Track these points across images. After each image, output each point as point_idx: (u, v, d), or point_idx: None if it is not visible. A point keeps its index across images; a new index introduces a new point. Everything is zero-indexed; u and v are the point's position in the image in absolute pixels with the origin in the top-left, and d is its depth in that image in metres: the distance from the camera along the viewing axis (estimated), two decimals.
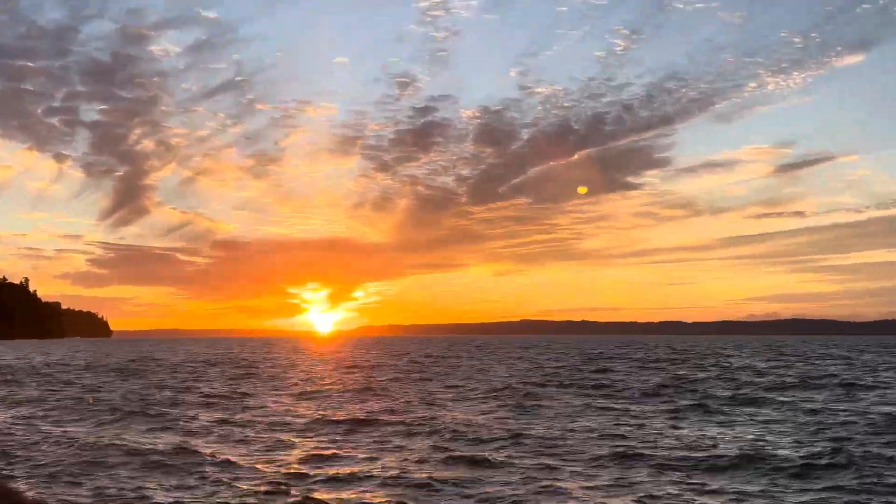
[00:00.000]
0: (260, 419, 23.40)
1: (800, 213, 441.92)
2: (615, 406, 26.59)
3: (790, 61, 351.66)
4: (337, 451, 17.25)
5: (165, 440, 18.73)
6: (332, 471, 14.96)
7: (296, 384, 37.73)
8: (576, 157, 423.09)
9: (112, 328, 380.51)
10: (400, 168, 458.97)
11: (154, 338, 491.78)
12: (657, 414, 24.32)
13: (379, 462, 15.88)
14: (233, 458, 16.18)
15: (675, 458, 16.05)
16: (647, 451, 16.79)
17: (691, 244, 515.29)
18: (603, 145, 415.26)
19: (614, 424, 21.32)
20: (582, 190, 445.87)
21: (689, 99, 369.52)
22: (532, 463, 15.68)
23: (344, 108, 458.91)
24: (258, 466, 15.41)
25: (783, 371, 47.78)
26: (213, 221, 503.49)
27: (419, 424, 21.18)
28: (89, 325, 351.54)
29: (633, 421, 22.41)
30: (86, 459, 16.16)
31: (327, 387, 35.86)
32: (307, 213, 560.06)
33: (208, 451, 17.11)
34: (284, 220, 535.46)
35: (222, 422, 22.54)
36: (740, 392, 31.00)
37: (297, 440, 18.95)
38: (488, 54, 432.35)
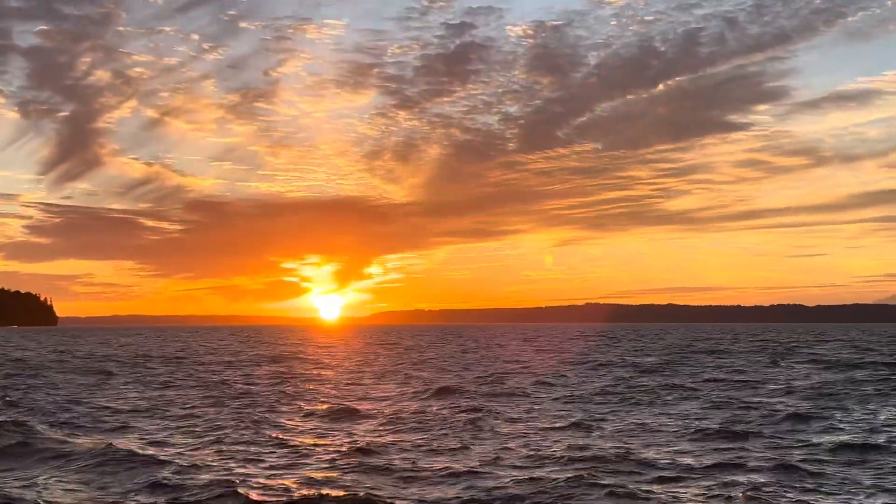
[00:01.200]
0: None
1: None
2: None
3: None
4: None
5: None
6: None
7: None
8: (660, 88, 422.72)
9: (58, 314, 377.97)
10: (428, 105, 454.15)
11: (110, 326, 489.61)
12: None
13: None
14: None
15: None
16: None
17: (814, 203, 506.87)
18: (696, 73, 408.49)
19: None
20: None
21: (811, 10, 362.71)
22: None
23: (354, 27, 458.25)
24: None
25: None
26: (186, 176, 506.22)
27: None
28: (27, 310, 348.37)
29: None
30: None
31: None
32: (307, 166, 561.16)
33: None
34: (277, 175, 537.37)
35: None
36: None
37: None
38: None
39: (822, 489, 16.05)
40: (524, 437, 22.27)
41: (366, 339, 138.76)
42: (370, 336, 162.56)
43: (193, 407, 29.43)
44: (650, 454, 19.42)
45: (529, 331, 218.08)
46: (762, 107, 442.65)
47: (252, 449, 20.40)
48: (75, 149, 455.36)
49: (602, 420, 25.55)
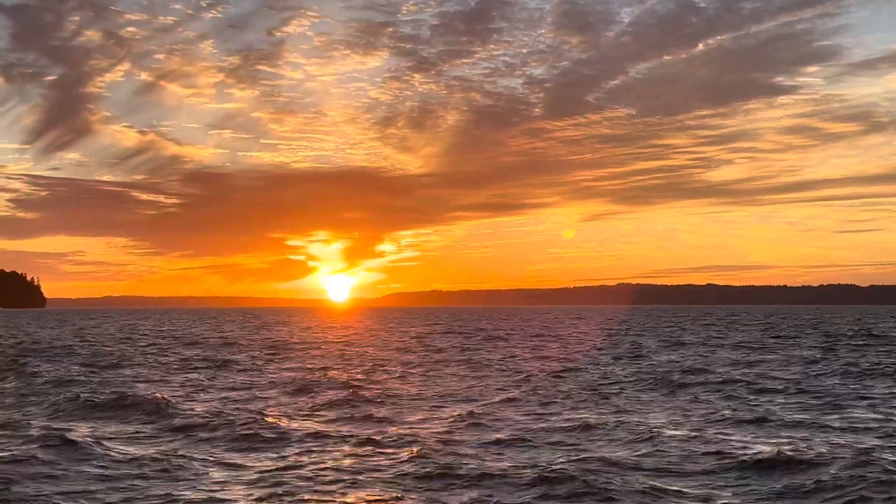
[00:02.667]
0: None
1: None
2: None
3: None
4: None
5: None
6: None
7: None
8: (700, 48, 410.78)
9: (46, 295, 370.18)
10: (446, 67, 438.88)
11: (101, 308, 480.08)
12: None
13: None
14: None
15: None
16: None
17: (868, 173, 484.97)
18: (739, 31, 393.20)
19: None
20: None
21: None
22: None
23: None
24: None
25: None
26: (182, 145, 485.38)
27: None
28: (13, 291, 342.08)
29: None
30: None
31: None
32: (314, 134, 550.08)
33: None
34: (282, 144, 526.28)
35: None
36: None
37: None
38: None
39: None
40: None
41: (382, 322, 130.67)
42: (385, 320, 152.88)
43: None
44: None
45: (560, 314, 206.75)
46: (811, 68, 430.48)
47: None
48: (63, 116, 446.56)
49: None
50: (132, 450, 18.03)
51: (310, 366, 40.03)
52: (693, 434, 19.54)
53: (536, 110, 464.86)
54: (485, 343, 61.95)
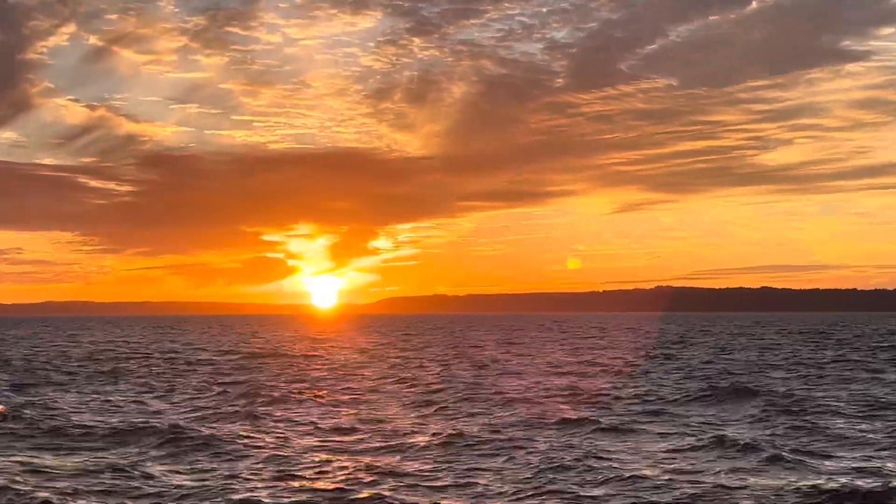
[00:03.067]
0: None
1: None
2: None
3: None
4: None
5: None
6: None
7: None
8: (753, 6, 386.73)
9: None
10: (452, 30, 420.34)
11: (41, 315, 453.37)
12: None
13: None
14: None
15: None
16: None
17: None
18: None
19: None
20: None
21: None
22: None
23: None
24: None
25: None
26: (139, 123, 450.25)
27: None
28: None
29: None
30: None
31: None
32: (295, 109, 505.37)
33: None
34: (257, 121, 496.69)
35: None
36: None
37: None
38: None
39: None
40: None
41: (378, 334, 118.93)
42: (382, 330, 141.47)
43: None
44: None
45: (590, 324, 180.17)
46: (887, 30, 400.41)
47: None
48: None
49: None
50: None
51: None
52: None
53: (559, 81, 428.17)
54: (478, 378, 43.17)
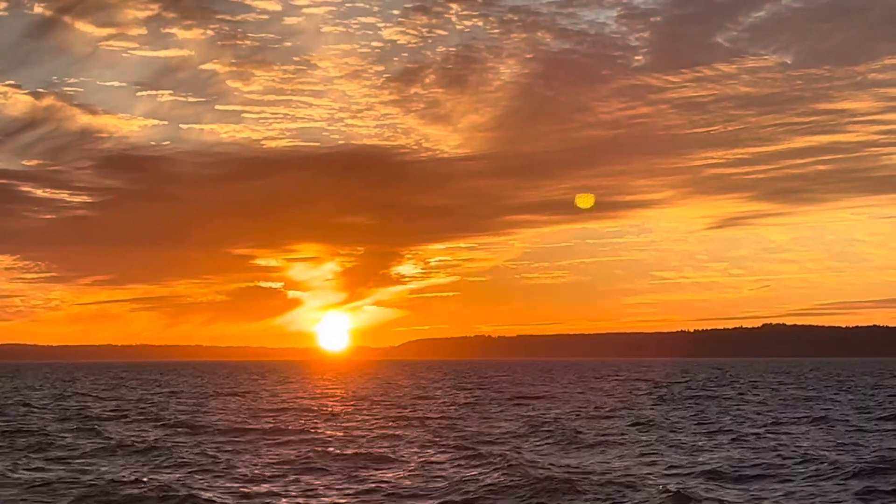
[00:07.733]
0: None
1: None
2: None
3: None
4: None
5: None
6: None
7: None
8: None
9: None
10: None
11: None
12: None
13: None
14: None
15: None
16: None
17: None
18: None
19: None
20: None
21: None
22: None
23: None
24: None
25: None
26: (98, 115, 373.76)
27: None
28: None
29: None
30: None
31: None
32: (297, 96, 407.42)
33: None
34: (249, 112, 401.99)
35: None
36: None
37: None
38: None
39: None
40: None
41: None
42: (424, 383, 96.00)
43: None
44: None
45: (676, 374, 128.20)
46: None
47: None
48: None
49: None
50: None
51: None
52: None
53: (638, 58, 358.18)
54: None
